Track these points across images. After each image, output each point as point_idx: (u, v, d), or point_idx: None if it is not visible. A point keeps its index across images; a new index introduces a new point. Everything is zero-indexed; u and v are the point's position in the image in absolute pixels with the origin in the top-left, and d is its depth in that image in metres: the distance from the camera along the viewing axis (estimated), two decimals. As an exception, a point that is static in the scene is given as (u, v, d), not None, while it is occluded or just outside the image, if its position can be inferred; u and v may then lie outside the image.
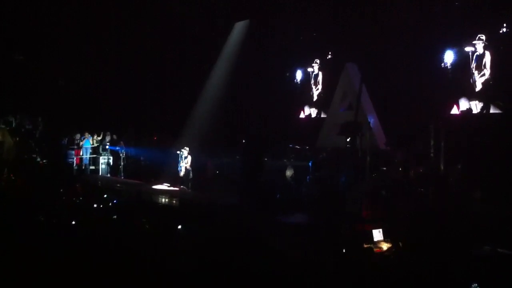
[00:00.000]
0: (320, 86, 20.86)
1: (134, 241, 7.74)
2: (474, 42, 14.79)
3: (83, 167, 21.50)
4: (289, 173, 16.92)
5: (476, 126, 14.52)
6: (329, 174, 15.57)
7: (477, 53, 14.81)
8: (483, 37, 14.62)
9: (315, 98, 21.13)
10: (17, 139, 20.46)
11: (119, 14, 21.51)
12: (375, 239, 9.29)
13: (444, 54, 15.54)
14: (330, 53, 20.20)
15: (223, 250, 6.65)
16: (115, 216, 10.24)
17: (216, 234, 7.82)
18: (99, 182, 18.90)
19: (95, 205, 11.21)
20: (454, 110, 15.55)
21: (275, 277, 6.15)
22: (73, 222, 8.92)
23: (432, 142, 15.27)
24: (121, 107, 22.71)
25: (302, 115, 21.65)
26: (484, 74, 14.71)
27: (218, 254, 6.46)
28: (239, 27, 22.10)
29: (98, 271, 6.17)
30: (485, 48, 14.65)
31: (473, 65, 14.89)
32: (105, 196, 12.82)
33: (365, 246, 8.85)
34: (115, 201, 11.59)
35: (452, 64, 15.40)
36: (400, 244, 8.86)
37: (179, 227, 8.84)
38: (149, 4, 21.19)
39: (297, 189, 15.35)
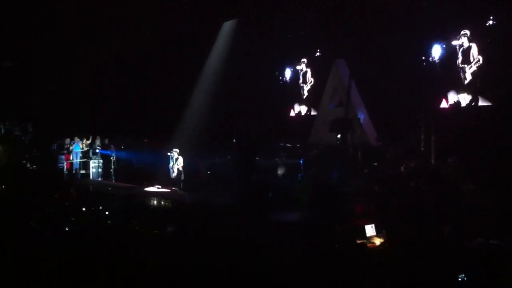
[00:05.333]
0: (309, 84, 20.91)
1: (127, 244, 7.71)
2: (458, 37, 14.89)
3: (74, 172, 21.37)
4: (280, 171, 16.94)
5: (466, 119, 14.61)
6: (321, 172, 15.59)
7: (463, 47, 14.90)
8: (467, 33, 14.73)
9: (304, 95, 21.18)
10: (7, 146, 20.31)
11: (106, 20, 21.40)
12: (368, 235, 9.36)
13: (431, 49, 15.62)
14: (318, 50, 20.24)
15: (216, 250, 6.66)
16: (109, 221, 10.19)
17: (209, 234, 7.83)
18: (91, 187, 18.79)
19: (85, 209, 11.15)
20: (443, 104, 15.64)
21: (269, 275, 6.16)
22: (66, 228, 8.87)
23: (422, 136, 15.38)
24: (111, 110, 22.62)
25: (292, 113, 21.69)
26: (471, 67, 14.80)
27: (211, 254, 6.47)
28: (227, 26, 22.08)
29: (91, 276, 6.15)
30: (470, 41, 14.75)
31: (460, 58, 14.99)
32: (97, 200, 12.74)
33: (359, 241, 8.90)
34: (101, 207, 11.47)
35: (439, 59, 15.49)
36: (390, 238, 8.92)
37: (169, 229, 8.84)
38: (137, 9, 21.10)
39: (289, 187, 15.34)
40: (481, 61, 14.48)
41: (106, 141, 22.17)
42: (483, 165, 13.01)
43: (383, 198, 12.44)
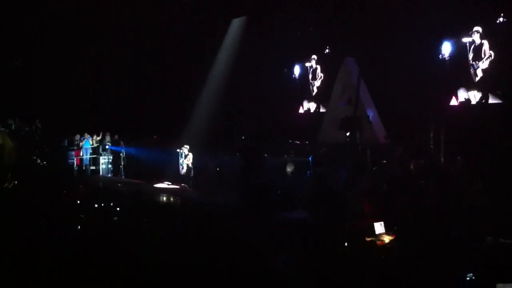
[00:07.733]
0: (318, 81, 20.87)
1: (135, 241, 7.74)
2: (471, 33, 14.78)
3: (84, 168, 21.52)
4: (289, 168, 16.92)
5: (475, 117, 14.52)
6: (329, 170, 15.54)
7: (475, 44, 14.80)
8: (480, 29, 14.61)
9: (313, 92, 21.15)
10: (17, 142, 20.43)
11: (114, 15, 21.48)
12: (377, 232, 9.27)
13: (441, 46, 15.52)
14: (327, 47, 20.19)
15: (217, 250, 6.68)
16: (115, 218, 10.23)
17: (209, 234, 7.84)
18: (100, 183, 18.91)
19: (96, 205, 11.20)
20: (453, 102, 15.56)
21: (270, 275, 6.17)
22: (78, 227, 8.91)
23: (431, 134, 15.30)
24: (120, 107, 22.72)
25: (301, 110, 21.67)
26: (483, 63, 14.70)
27: (212, 254, 6.49)
28: (236, 23, 22.09)
29: (99, 273, 6.19)
30: (482, 38, 14.64)
31: (471, 56, 14.89)
32: (105, 197, 12.80)
33: (368, 239, 8.85)
34: (111, 203, 11.49)
35: (449, 56, 15.39)
36: (397, 236, 8.87)
37: (173, 228, 8.86)
38: (146, 3, 21.14)
39: (298, 184, 15.31)
40: (492, 56, 14.36)
41: (116, 137, 22.30)
42: (493, 163, 12.92)
43: (391, 197, 12.39)
